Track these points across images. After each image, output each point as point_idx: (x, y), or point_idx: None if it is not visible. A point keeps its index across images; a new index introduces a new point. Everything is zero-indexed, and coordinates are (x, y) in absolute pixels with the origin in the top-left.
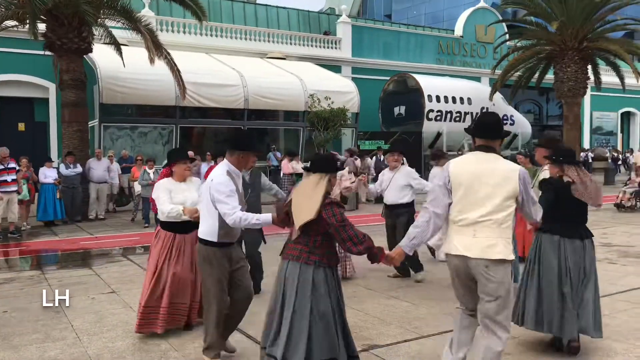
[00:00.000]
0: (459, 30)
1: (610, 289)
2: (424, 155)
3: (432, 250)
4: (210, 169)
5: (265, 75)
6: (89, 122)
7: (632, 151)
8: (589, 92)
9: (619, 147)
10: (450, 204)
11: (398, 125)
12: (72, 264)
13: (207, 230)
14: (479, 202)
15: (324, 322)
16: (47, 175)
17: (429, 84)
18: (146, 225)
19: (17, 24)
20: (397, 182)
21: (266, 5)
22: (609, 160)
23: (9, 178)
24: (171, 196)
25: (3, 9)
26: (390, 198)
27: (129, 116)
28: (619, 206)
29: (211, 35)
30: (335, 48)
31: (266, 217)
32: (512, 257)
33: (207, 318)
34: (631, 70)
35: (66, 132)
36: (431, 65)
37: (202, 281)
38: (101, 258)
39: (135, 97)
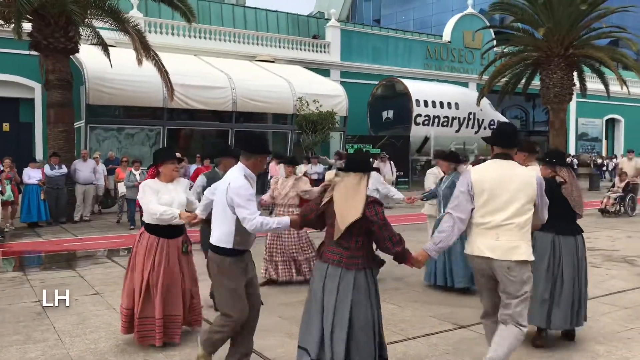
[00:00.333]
0: (447, 35)
1: (594, 292)
2: (411, 160)
3: None
4: (199, 170)
5: (254, 78)
6: (75, 123)
7: (612, 158)
8: (574, 98)
9: (604, 154)
10: (472, 209)
11: (386, 130)
12: (56, 265)
13: (222, 237)
14: (501, 207)
15: (364, 329)
16: (31, 176)
17: (417, 89)
18: (132, 227)
19: (2, 23)
20: None
21: (255, 8)
22: (592, 166)
23: None
24: (158, 197)
25: None
26: None
27: (116, 117)
28: (603, 211)
29: (200, 37)
30: (324, 52)
31: (285, 220)
32: (532, 258)
33: (220, 330)
34: (616, 77)
35: (52, 132)
36: (419, 70)
37: (216, 292)
38: (85, 260)
39: (123, 99)
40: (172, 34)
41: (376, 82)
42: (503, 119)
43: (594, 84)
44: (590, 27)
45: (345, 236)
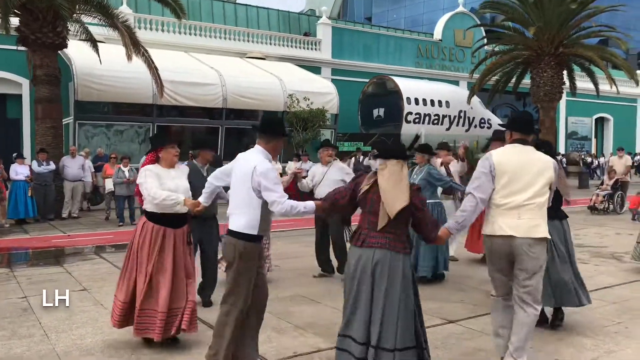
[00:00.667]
0: (437, 34)
1: None
2: None
3: None
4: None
5: (245, 74)
6: (64, 120)
7: (597, 158)
8: (564, 97)
9: (593, 152)
10: (492, 190)
11: (377, 127)
12: (43, 261)
13: (247, 222)
14: (522, 188)
15: (409, 310)
16: (18, 172)
17: (408, 87)
18: (121, 224)
19: None
20: (330, 177)
21: (246, 5)
22: (581, 165)
23: None
24: (160, 183)
25: None
26: (323, 193)
27: (105, 114)
28: (592, 209)
29: (190, 34)
30: (315, 49)
31: (311, 205)
32: (549, 236)
33: (227, 320)
34: (605, 76)
35: (39, 128)
36: (410, 68)
37: (231, 280)
38: (73, 256)
39: (112, 95)
40: (162, 30)
41: (367, 80)
42: (493, 117)
43: (583, 83)
44: (580, 26)
45: (390, 224)
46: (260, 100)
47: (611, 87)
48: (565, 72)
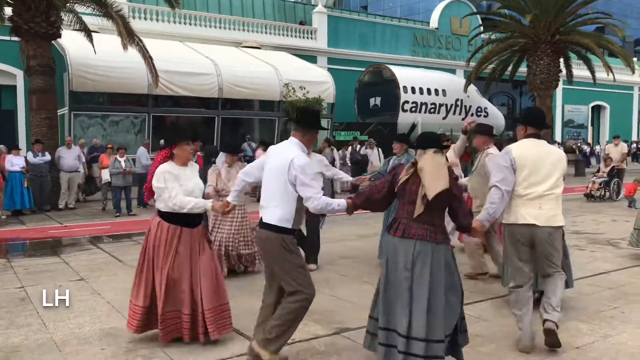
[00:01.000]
0: (434, 22)
1: (578, 273)
2: None
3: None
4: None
5: (240, 64)
6: (59, 110)
7: (591, 144)
8: (560, 85)
9: (590, 140)
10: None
11: (374, 116)
12: (40, 252)
13: (282, 216)
14: (542, 180)
15: (452, 299)
16: (14, 163)
17: (405, 76)
18: (117, 214)
19: None
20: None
21: None
22: (577, 152)
23: None
24: (180, 184)
25: None
26: None
27: (100, 104)
28: (589, 196)
29: (185, 23)
30: (311, 38)
31: (343, 203)
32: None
33: (294, 308)
34: (602, 64)
35: (34, 119)
36: (407, 57)
37: (283, 272)
38: (70, 246)
39: (107, 85)
40: (157, 19)
41: (363, 69)
42: (490, 105)
43: (580, 71)
44: (576, 14)
45: (427, 212)
46: (256, 89)
47: (608, 74)
48: (561, 59)
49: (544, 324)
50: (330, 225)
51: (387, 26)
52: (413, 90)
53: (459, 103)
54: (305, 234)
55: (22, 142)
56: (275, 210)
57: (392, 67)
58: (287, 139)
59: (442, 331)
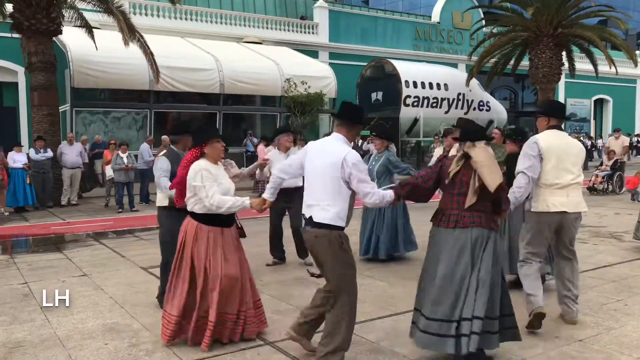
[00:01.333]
0: (435, 16)
1: (582, 266)
2: (401, 141)
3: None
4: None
5: (241, 59)
6: (61, 107)
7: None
8: (563, 78)
9: (592, 134)
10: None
11: (376, 111)
12: (43, 248)
13: (336, 214)
14: (568, 169)
15: (499, 284)
16: (16, 160)
17: (406, 70)
18: (120, 210)
19: None
20: None
21: None
22: None
23: None
24: (218, 184)
25: None
26: (287, 181)
27: (102, 100)
28: (592, 189)
29: (186, 19)
30: (312, 33)
31: (392, 194)
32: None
33: (341, 313)
34: (604, 57)
35: (36, 116)
36: (408, 51)
37: (334, 272)
38: (73, 242)
39: (108, 81)
40: (158, 15)
41: (365, 64)
42: (492, 99)
43: (582, 64)
44: (579, 6)
45: (479, 202)
46: (257, 85)
47: (610, 67)
48: (564, 53)
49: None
50: None
51: (389, 20)
52: (415, 84)
53: (461, 97)
54: (293, 233)
55: (24, 139)
56: (328, 209)
57: (394, 62)
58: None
59: (498, 309)
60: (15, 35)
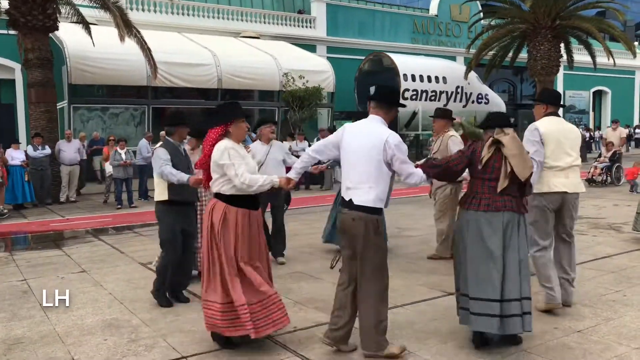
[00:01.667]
0: (433, 9)
1: (580, 258)
2: (399, 135)
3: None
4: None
5: (239, 54)
6: (58, 104)
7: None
8: (561, 70)
9: (591, 126)
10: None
11: None
12: (42, 245)
13: (377, 196)
14: (567, 152)
15: (527, 265)
16: (14, 157)
17: (405, 63)
18: (119, 206)
19: None
20: (275, 157)
21: None
22: None
23: None
24: (245, 162)
25: None
26: (268, 174)
27: (100, 97)
28: (590, 181)
29: (183, 14)
30: (310, 27)
31: (423, 174)
32: None
33: (380, 299)
34: (603, 48)
35: (33, 113)
36: (406, 45)
37: (369, 256)
38: (72, 239)
39: (105, 77)
40: (155, 11)
41: (363, 57)
42: (491, 92)
43: (580, 56)
44: None
45: (510, 187)
46: (255, 79)
47: (608, 59)
48: (562, 45)
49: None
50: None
51: (387, 14)
52: (413, 78)
53: (459, 90)
54: (273, 226)
55: (22, 135)
56: (370, 191)
57: (392, 55)
58: (287, 128)
59: (530, 290)
60: (12, 32)
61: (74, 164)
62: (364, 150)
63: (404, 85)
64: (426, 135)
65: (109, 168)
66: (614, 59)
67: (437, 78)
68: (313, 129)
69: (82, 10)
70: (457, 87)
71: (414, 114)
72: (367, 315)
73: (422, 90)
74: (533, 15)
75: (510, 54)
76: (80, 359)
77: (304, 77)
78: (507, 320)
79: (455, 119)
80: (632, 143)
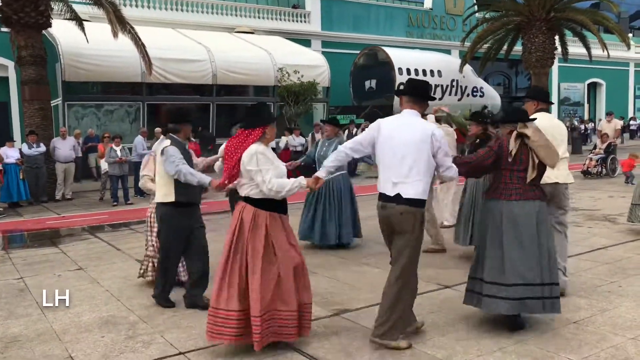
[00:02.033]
0: (428, 2)
1: (576, 249)
2: None
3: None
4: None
5: (233, 49)
6: (52, 101)
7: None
8: (556, 62)
9: (586, 118)
10: None
11: (369, 99)
12: (38, 243)
13: (424, 189)
14: (558, 145)
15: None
16: (9, 155)
17: (400, 57)
18: (114, 204)
19: None
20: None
21: None
22: (570, 130)
23: None
24: (274, 166)
25: None
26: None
27: (94, 94)
28: (586, 173)
29: (177, 9)
30: (305, 21)
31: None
32: None
33: (405, 294)
34: (597, 40)
35: (27, 110)
36: (401, 38)
37: (409, 251)
38: (68, 237)
39: (100, 74)
40: (148, 6)
41: (358, 52)
42: (486, 85)
43: (575, 48)
44: None
45: (537, 176)
46: (250, 75)
47: (603, 51)
48: (557, 37)
49: None
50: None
51: (381, 7)
52: (408, 71)
53: (454, 84)
54: None
55: (16, 133)
56: (418, 184)
57: (387, 49)
58: (283, 123)
59: (556, 277)
60: (4, 29)
61: (69, 162)
62: (414, 143)
63: (399, 79)
64: None
65: (104, 165)
66: (608, 51)
67: (432, 71)
68: (308, 124)
69: (75, 6)
70: (452, 80)
71: None
72: (389, 298)
73: None
74: (527, 7)
75: (505, 47)
76: (78, 357)
77: (298, 72)
78: (545, 302)
79: (440, 109)
80: (627, 135)
